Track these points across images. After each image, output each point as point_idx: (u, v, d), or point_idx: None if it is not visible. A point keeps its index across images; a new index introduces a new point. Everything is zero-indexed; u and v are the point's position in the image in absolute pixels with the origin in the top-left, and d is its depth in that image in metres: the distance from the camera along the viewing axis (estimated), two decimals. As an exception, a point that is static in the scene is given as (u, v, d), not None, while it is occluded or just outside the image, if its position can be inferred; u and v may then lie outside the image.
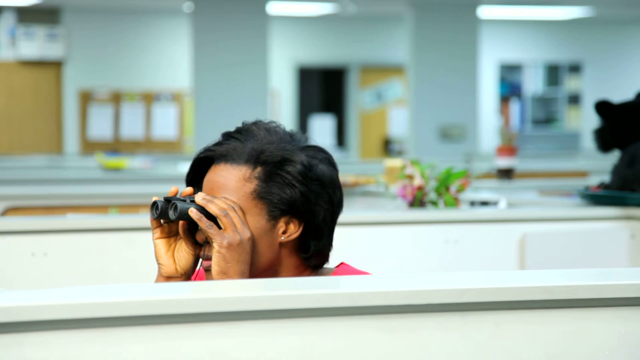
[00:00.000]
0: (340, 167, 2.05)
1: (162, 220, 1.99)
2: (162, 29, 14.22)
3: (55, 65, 13.77)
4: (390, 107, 15.50)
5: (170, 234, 1.99)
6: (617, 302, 1.73)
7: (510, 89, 16.05)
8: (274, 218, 1.95)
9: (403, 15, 12.77)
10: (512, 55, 15.88)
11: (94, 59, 13.91)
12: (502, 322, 1.69)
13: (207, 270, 1.96)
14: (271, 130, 2.00)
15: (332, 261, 2.05)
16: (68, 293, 1.59)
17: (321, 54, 15.11)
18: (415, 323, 1.66)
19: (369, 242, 3.64)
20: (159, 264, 1.99)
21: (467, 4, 12.16)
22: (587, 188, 4.09)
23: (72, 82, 13.81)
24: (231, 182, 1.96)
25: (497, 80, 15.80)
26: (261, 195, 1.95)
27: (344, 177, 5.21)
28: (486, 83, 15.30)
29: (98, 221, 3.37)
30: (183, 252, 1.99)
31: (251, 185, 1.95)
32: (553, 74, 16.17)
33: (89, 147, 13.66)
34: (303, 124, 15.17)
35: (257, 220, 1.95)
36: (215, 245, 1.91)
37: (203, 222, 1.92)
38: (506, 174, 6.29)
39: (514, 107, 16.06)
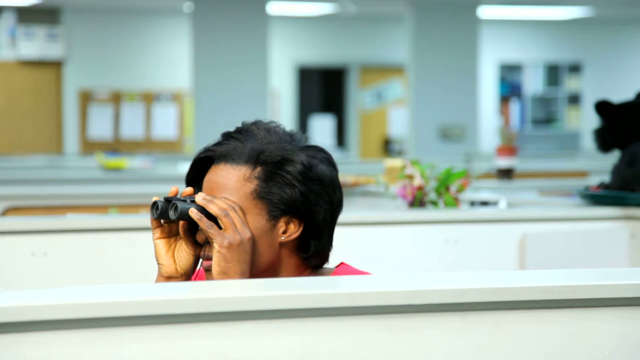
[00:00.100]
0: (340, 167, 2.05)
1: (162, 221, 1.99)
2: (162, 29, 14.22)
3: (55, 65, 13.77)
4: (390, 107, 15.50)
5: (171, 234, 1.99)
6: (617, 302, 1.73)
7: (510, 89, 16.05)
8: (274, 218, 1.95)
9: (403, 15, 12.77)
10: (512, 55, 15.89)
11: (94, 59, 13.91)
12: (502, 322, 1.69)
13: (208, 270, 1.96)
14: (271, 130, 2.00)
15: (332, 261, 2.05)
16: (68, 293, 1.59)
17: (321, 54, 15.12)
18: (415, 323, 1.66)
19: (369, 242, 3.64)
20: (159, 264, 1.99)
21: (467, 4, 12.16)
22: (587, 188, 4.09)
23: (72, 82, 13.81)
24: (231, 182, 1.96)
25: (497, 80, 15.80)
26: (261, 195, 1.95)
27: (344, 177, 5.21)
28: (486, 83, 15.30)
29: (98, 221, 3.37)
30: (183, 252, 1.99)
31: (251, 185, 1.95)
32: (553, 74, 16.17)
33: (89, 147, 13.66)
34: (303, 124, 15.17)
35: (257, 220, 1.95)
36: (215, 245, 1.91)
37: (203, 222, 1.92)
38: (506, 174, 6.29)
39: (514, 107, 16.06)
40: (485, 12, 13.39)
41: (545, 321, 1.71)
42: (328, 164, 2.00)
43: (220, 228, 1.93)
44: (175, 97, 14.20)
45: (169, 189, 2.00)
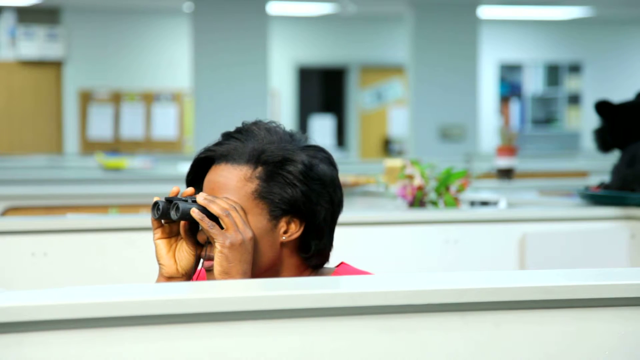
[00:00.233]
0: (340, 167, 2.05)
1: (163, 221, 1.98)
2: (162, 29, 14.22)
3: (55, 65, 13.77)
4: (390, 107, 15.50)
5: (171, 235, 1.99)
6: (617, 302, 1.73)
7: (510, 89, 16.05)
8: (275, 218, 1.95)
9: (403, 15, 12.77)
10: (512, 55, 15.89)
11: (94, 59, 13.91)
12: (502, 322, 1.69)
13: (209, 270, 1.96)
14: (271, 130, 2.00)
15: (332, 261, 2.05)
16: (68, 293, 1.59)
17: (321, 54, 15.12)
18: (415, 323, 1.66)
19: (369, 242, 3.64)
20: (160, 264, 1.99)
21: (467, 4, 12.16)
22: (587, 188, 4.09)
23: (72, 82, 13.81)
24: (232, 182, 1.96)
25: (497, 80, 15.80)
26: (262, 195, 1.95)
27: (344, 177, 5.21)
28: (486, 83, 15.30)
29: (98, 221, 3.37)
30: (184, 253, 1.99)
31: (252, 185, 1.95)
32: (553, 74, 16.17)
33: (89, 147, 13.66)
34: (303, 124, 15.17)
35: (259, 220, 1.95)
36: (217, 245, 1.91)
37: (205, 222, 1.92)
38: (506, 174, 6.29)
39: (514, 107, 16.06)
40: (485, 12, 13.39)
41: (545, 321, 1.71)
42: (328, 163, 2.00)
43: (221, 228, 1.93)
44: (175, 97, 14.20)
45: (169, 189, 2.00)
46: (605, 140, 4.08)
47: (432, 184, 3.96)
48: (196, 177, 2.03)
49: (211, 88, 11.22)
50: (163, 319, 1.56)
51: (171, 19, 14.16)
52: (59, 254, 3.26)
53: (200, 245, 1.98)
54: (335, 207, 1.99)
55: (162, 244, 1.99)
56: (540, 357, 1.71)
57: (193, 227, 1.99)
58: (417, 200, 3.95)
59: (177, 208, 1.93)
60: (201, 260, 1.99)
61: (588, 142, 14.81)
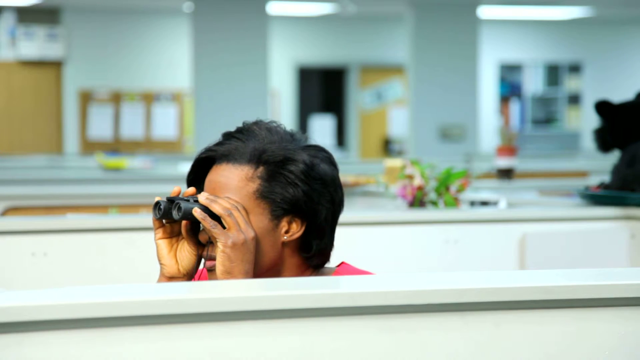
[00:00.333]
0: (340, 167, 2.05)
1: (164, 221, 1.98)
2: (162, 29, 14.22)
3: (55, 65, 13.78)
4: (390, 107, 15.50)
5: (172, 234, 1.99)
6: (617, 302, 1.73)
7: (510, 89, 16.05)
8: (276, 217, 1.95)
9: (403, 15, 12.77)
10: (512, 55, 15.89)
11: (94, 59, 13.91)
12: (502, 322, 1.69)
13: (210, 270, 1.96)
14: (272, 129, 2.00)
15: (332, 261, 2.05)
16: (68, 293, 1.59)
17: (321, 54, 15.12)
18: (415, 323, 1.66)
19: (369, 242, 3.64)
20: (161, 264, 1.98)
21: (467, 4, 12.16)
22: (587, 188, 4.09)
23: (72, 82, 13.81)
24: (233, 182, 1.96)
25: (497, 80, 15.80)
26: (264, 195, 1.95)
27: (344, 177, 5.20)
28: (486, 83, 15.30)
29: (98, 221, 3.37)
30: (185, 252, 1.98)
31: (254, 185, 1.95)
32: (553, 74, 16.17)
33: (89, 147, 13.66)
34: (303, 124, 15.17)
35: (260, 219, 1.95)
36: (219, 245, 1.91)
37: (207, 222, 1.92)
38: (506, 174, 6.29)
39: (514, 107, 16.06)
40: (485, 12, 13.39)
41: (545, 321, 1.71)
42: (329, 163, 2.00)
43: (223, 228, 1.92)
44: (175, 97, 14.20)
45: (169, 189, 2.00)
46: (605, 140, 4.08)
47: (432, 184, 3.96)
48: (197, 177, 2.03)
49: (211, 88, 11.22)
50: (163, 319, 1.56)
51: (171, 19, 14.16)
52: (59, 254, 3.26)
53: (202, 245, 1.98)
54: (336, 207, 2.00)
55: (164, 244, 1.99)
56: (540, 357, 1.71)
57: (194, 227, 1.99)
58: (417, 200, 3.95)
59: (179, 208, 1.93)
60: (202, 260, 1.99)
61: (588, 142, 14.81)
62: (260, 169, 1.96)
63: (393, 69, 15.22)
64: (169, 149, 14.05)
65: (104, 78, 13.98)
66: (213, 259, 1.95)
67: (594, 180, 4.93)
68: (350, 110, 15.40)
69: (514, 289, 1.70)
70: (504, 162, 6.32)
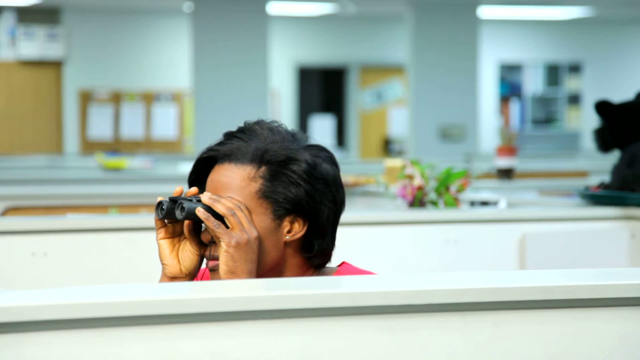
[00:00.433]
0: (340, 167, 2.05)
1: (166, 221, 1.98)
2: (162, 29, 14.22)
3: (55, 65, 13.77)
4: (390, 107, 15.50)
5: (174, 234, 1.99)
6: (617, 302, 1.73)
7: (510, 89, 16.05)
8: (279, 217, 1.95)
9: (403, 15, 12.77)
10: (512, 55, 15.89)
11: (94, 59, 13.91)
12: (502, 322, 1.69)
13: (213, 270, 1.96)
14: (274, 129, 2.00)
15: (332, 262, 2.04)
16: (68, 293, 1.59)
17: (321, 54, 15.12)
18: (415, 323, 1.66)
19: (369, 242, 3.64)
20: (163, 264, 1.98)
21: (467, 4, 12.16)
22: (587, 188, 4.09)
23: (72, 82, 13.81)
24: (236, 182, 1.95)
25: (497, 80, 15.80)
26: (266, 195, 1.95)
27: (344, 177, 5.20)
28: (486, 83, 15.30)
29: (98, 221, 3.37)
30: (187, 252, 1.98)
31: (256, 185, 1.95)
32: (553, 74, 16.17)
33: (89, 147, 13.66)
34: (303, 124, 15.17)
35: (263, 219, 1.95)
36: (223, 244, 1.91)
37: (211, 222, 1.91)
38: (506, 174, 6.29)
39: (514, 107, 16.06)
40: (485, 12, 13.39)
41: (545, 321, 1.71)
42: (331, 162, 2.00)
43: (227, 227, 1.92)
44: (175, 97, 14.20)
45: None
46: (605, 140, 4.08)
47: (432, 184, 3.96)
48: (198, 177, 2.03)
49: (211, 88, 11.22)
50: (163, 319, 1.56)
51: (171, 19, 14.16)
52: (59, 254, 3.26)
53: (204, 245, 1.98)
54: (338, 207, 2.00)
55: (166, 243, 1.99)
56: (540, 357, 1.71)
57: (196, 227, 1.98)
58: (417, 200, 3.95)
59: (183, 208, 1.93)
60: (204, 260, 1.99)
61: (588, 142, 14.81)
62: (263, 168, 1.96)
63: (393, 69, 15.22)
64: (169, 149, 14.05)
65: (104, 78, 13.97)
66: (215, 258, 1.95)
67: (594, 180, 4.93)
68: (350, 110, 15.40)
69: (514, 289, 1.70)
70: (504, 162, 6.32)
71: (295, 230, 1.96)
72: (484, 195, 4.87)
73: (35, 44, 13.51)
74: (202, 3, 11.25)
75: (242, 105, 11.14)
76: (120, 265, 3.33)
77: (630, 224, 3.80)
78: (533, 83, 16.15)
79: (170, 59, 14.18)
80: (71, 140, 13.80)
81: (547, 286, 1.71)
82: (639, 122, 4.00)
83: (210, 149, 2.00)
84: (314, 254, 1.98)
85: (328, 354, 1.63)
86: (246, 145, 1.97)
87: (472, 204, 4.79)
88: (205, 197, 1.94)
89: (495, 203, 4.65)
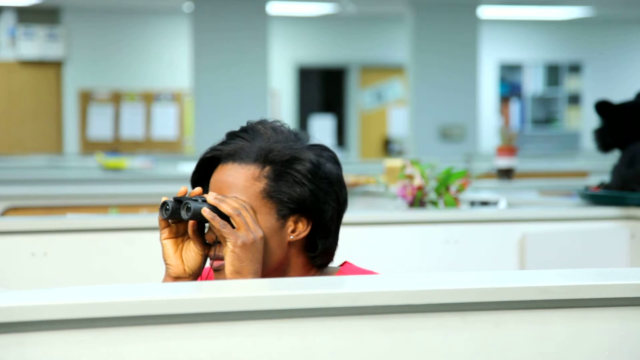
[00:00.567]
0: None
1: (170, 221, 1.98)
2: (162, 29, 14.22)
3: (55, 65, 13.77)
4: (390, 107, 15.50)
5: (178, 234, 1.99)
6: (617, 302, 1.73)
7: (510, 89, 16.05)
8: (283, 217, 1.95)
9: (403, 15, 12.77)
10: (512, 55, 15.89)
11: (94, 59, 13.91)
12: (502, 322, 1.69)
13: (217, 270, 1.96)
14: (277, 129, 1.99)
15: (334, 261, 2.04)
16: (68, 293, 1.59)
17: (321, 54, 15.11)
18: (415, 323, 1.66)
19: (369, 242, 3.64)
20: (167, 264, 1.98)
21: (467, 4, 12.16)
22: (587, 188, 4.09)
23: (72, 82, 13.81)
24: (240, 182, 1.95)
25: (497, 80, 15.80)
26: (271, 195, 1.95)
27: (344, 177, 5.19)
28: (486, 83, 15.30)
29: (98, 221, 3.37)
30: (191, 252, 1.98)
31: (260, 185, 1.95)
32: (553, 74, 16.17)
33: (89, 147, 13.66)
34: (303, 124, 15.17)
35: (267, 219, 1.95)
36: (229, 244, 1.91)
37: (217, 222, 1.91)
38: (506, 174, 6.29)
39: (514, 107, 16.06)
40: (485, 12, 13.39)
41: (545, 321, 1.71)
42: (334, 162, 2.01)
43: (232, 227, 1.92)
44: (175, 97, 14.20)
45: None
46: (605, 140, 4.08)
47: (432, 184, 3.96)
48: (201, 177, 2.03)
49: (211, 88, 11.22)
50: (163, 319, 1.56)
51: (171, 19, 14.16)
52: (59, 254, 3.26)
53: (208, 245, 1.98)
54: (341, 206, 2.00)
55: (169, 244, 1.98)
56: (540, 357, 1.71)
57: (200, 227, 1.98)
58: (417, 200, 3.95)
59: (188, 208, 1.93)
60: (208, 259, 1.99)
61: (588, 142, 14.80)
62: (267, 168, 1.96)
63: (393, 69, 15.22)
64: (169, 149, 14.05)
65: (104, 78, 13.98)
66: (220, 259, 1.95)
67: (594, 180, 4.93)
68: (350, 110, 15.40)
69: (514, 289, 1.70)
70: (504, 162, 6.32)
71: (299, 229, 1.96)
72: (484, 195, 4.87)
73: (35, 44, 13.51)
74: (202, 3, 11.25)
75: (242, 105, 11.14)
76: (120, 265, 3.33)
77: (630, 224, 3.80)
78: (533, 83, 16.15)
79: (170, 59, 14.18)
80: (71, 140, 13.80)
81: (547, 286, 1.71)
82: (639, 122, 4.00)
83: (213, 149, 1.99)
84: (318, 254, 1.98)
85: (328, 354, 1.63)
86: (250, 145, 1.97)
87: (472, 204, 4.79)
88: (210, 197, 1.93)
89: (495, 203, 4.65)
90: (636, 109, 4.03)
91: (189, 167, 7.60)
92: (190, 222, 1.97)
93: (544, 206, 4.36)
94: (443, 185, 3.92)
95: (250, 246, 1.91)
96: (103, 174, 7.36)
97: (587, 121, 15.53)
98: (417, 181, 3.95)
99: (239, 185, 1.95)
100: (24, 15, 13.45)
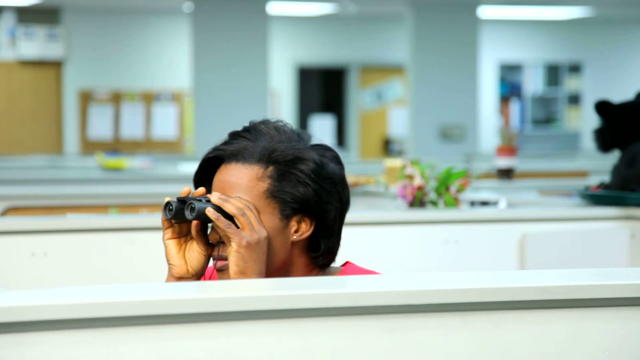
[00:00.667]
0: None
1: (173, 221, 1.98)
2: (162, 29, 14.22)
3: (55, 65, 13.77)
4: (390, 107, 15.50)
5: (181, 235, 1.98)
6: (617, 302, 1.73)
7: (510, 89, 16.05)
8: (286, 217, 1.95)
9: (403, 15, 12.77)
10: (512, 55, 15.89)
11: (94, 59, 13.91)
12: (502, 322, 1.69)
13: (220, 270, 1.95)
14: (280, 129, 1.99)
15: (334, 261, 2.04)
16: (68, 293, 1.59)
17: (321, 54, 15.11)
18: (415, 323, 1.66)
19: (369, 242, 3.64)
20: (170, 264, 1.98)
21: (467, 4, 12.16)
22: (587, 188, 4.09)
23: (72, 82, 13.81)
24: (243, 182, 1.95)
25: (497, 80, 15.80)
26: (274, 195, 1.94)
27: (344, 177, 5.19)
28: (486, 83, 15.30)
29: (98, 221, 3.37)
30: (194, 253, 1.98)
31: (264, 185, 1.95)
32: (553, 74, 16.17)
33: (89, 147, 13.66)
34: (303, 124, 15.17)
35: (271, 219, 1.95)
36: (233, 244, 1.90)
37: (221, 222, 1.91)
38: (506, 174, 6.29)
39: (514, 107, 16.06)
40: (485, 12, 13.39)
41: (545, 321, 1.71)
42: (337, 162, 2.01)
43: (237, 227, 1.92)
44: (175, 97, 14.20)
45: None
46: (605, 140, 4.08)
47: (432, 184, 3.96)
48: (204, 177, 2.02)
49: (211, 88, 11.22)
50: (163, 319, 1.56)
51: (171, 19, 14.16)
52: (59, 254, 3.26)
53: (211, 245, 1.98)
54: (344, 206, 2.00)
55: (172, 244, 1.98)
56: (540, 357, 1.71)
57: (203, 227, 1.98)
58: (417, 200, 3.95)
59: (193, 208, 1.92)
60: (211, 259, 1.99)
61: (588, 142, 14.80)
62: (270, 168, 1.95)
63: (393, 69, 15.22)
64: (169, 149, 14.05)
65: (104, 78, 13.98)
66: (223, 259, 1.95)
67: (594, 180, 4.93)
68: (350, 110, 15.40)
69: (514, 289, 1.70)
70: (504, 162, 6.32)
71: (302, 229, 1.96)
72: (484, 195, 4.87)
73: (35, 44, 13.51)
74: (202, 3, 11.25)
75: (242, 105, 11.14)
76: (120, 265, 3.33)
77: (630, 224, 3.80)
78: (533, 83, 16.15)
79: (170, 59, 14.18)
80: (71, 140, 13.80)
81: (547, 286, 1.71)
82: (639, 122, 4.00)
83: (216, 149, 1.99)
84: (320, 254, 1.98)
85: (328, 354, 1.63)
86: (253, 145, 1.96)
87: (472, 204, 4.79)
88: (214, 197, 1.93)
89: (495, 203, 4.65)
90: (636, 109, 4.03)
91: (189, 167, 7.61)
92: (194, 222, 1.96)
93: (544, 206, 4.36)
94: (443, 185, 3.92)
95: (255, 246, 1.91)
96: (103, 174, 7.36)
97: (587, 121, 15.53)
98: (417, 181, 3.95)
99: (242, 185, 1.95)
100: (24, 15, 13.45)
